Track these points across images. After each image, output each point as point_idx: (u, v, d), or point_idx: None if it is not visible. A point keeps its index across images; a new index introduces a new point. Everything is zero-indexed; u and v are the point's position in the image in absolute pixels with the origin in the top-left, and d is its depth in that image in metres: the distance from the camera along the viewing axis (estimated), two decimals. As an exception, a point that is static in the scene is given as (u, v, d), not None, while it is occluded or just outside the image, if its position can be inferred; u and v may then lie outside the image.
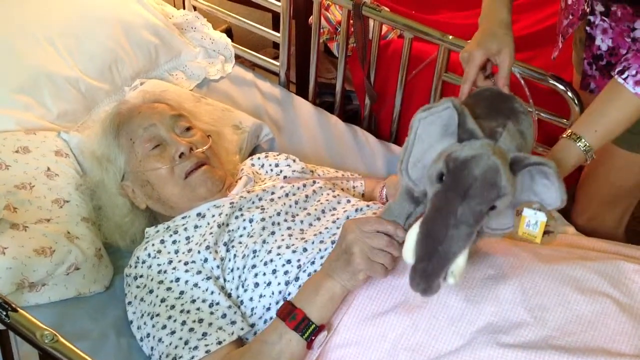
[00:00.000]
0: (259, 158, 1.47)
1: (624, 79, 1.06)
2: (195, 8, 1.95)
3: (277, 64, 1.87)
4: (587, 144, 1.08)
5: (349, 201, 1.31)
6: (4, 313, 0.82)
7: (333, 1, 1.74)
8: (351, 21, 1.67)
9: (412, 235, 0.95)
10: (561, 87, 1.40)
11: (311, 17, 1.77)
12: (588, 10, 1.28)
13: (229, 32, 2.03)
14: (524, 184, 0.96)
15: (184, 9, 1.95)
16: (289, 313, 1.04)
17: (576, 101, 1.40)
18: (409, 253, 0.95)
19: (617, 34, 1.25)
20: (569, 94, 1.40)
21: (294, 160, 1.45)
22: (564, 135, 1.10)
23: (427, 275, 0.92)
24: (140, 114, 1.33)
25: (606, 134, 1.10)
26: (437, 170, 0.93)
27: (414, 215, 1.03)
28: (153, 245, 1.23)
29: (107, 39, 1.65)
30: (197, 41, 1.86)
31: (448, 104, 0.95)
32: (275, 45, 2.01)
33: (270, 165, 1.45)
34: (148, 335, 1.15)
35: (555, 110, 1.47)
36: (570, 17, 1.34)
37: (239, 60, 1.90)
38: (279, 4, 1.79)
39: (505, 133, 0.99)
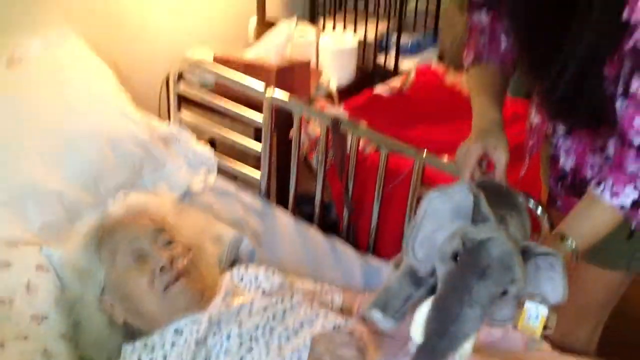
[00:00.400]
0: (238, 270, 1.49)
1: (601, 191, 1.11)
2: (180, 121, 2.02)
3: (258, 175, 1.92)
4: (575, 245, 1.12)
5: (326, 316, 1.32)
6: None
7: (313, 117, 1.82)
8: (330, 135, 1.74)
9: (421, 314, 0.95)
10: (531, 205, 1.46)
11: (292, 131, 1.85)
12: (550, 131, 1.36)
13: (212, 143, 2.10)
14: (529, 275, 0.98)
15: (170, 122, 2.02)
16: None
17: (546, 218, 1.45)
18: (417, 332, 0.95)
19: (579, 153, 1.31)
20: (539, 212, 1.45)
21: (273, 273, 1.47)
22: (551, 236, 1.15)
23: (436, 353, 0.91)
24: (123, 227, 1.36)
25: (589, 238, 1.14)
26: (452, 248, 0.94)
27: (413, 298, 1.02)
28: (130, 363, 1.22)
29: (93, 152, 1.70)
30: (181, 153, 1.91)
31: (464, 186, 0.98)
32: (257, 157, 2.07)
33: (249, 277, 1.46)
34: None
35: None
36: (535, 136, 1.42)
37: (222, 171, 1.96)
38: (261, 118, 1.86)
39: (513, 222, 1.02)
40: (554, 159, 1.38)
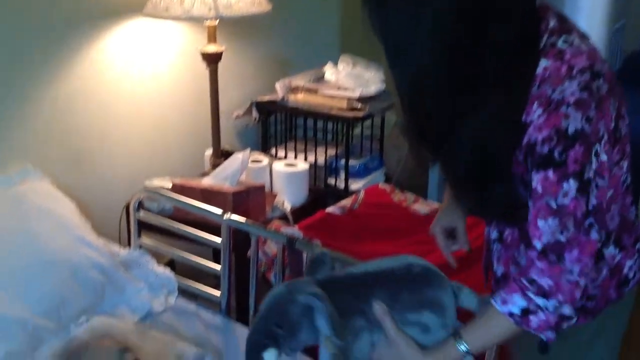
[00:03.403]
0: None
1: (494, 300, 1.19)
2: (140, 246, 2.08)
3: (218, 294, 1.98)
4: (467, 347, 1.20)
5: None
6: None
7: (269, 237, 1.91)
8: (286, 254, 1.83)
9: None
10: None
11: (249, 251, 1.93)
12: (487, 237, 1.46)
13: (171, 264, 2.15)
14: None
15: (130, 247, 2.09)
16: None
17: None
18: None
19: (505, 262, 1.38)
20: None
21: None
22: (452, 334, 1.22)
23: None
24: (88, 350, 1.40)
25: (483, 342, 1.22)
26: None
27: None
28: None
29: (56, 281, 1.74)
30: (142, 276, 1.96)
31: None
32: (216, 277, 2.13)
33: None
34: None
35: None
36: (485, 250, 1.52)
37: (182, 291, 2.01)
38: (219, 240, 1.95)
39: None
40: (491, 265, 1.47)
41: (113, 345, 1.42)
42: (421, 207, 2.38)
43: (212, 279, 2.05)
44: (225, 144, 2.51)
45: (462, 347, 1.20)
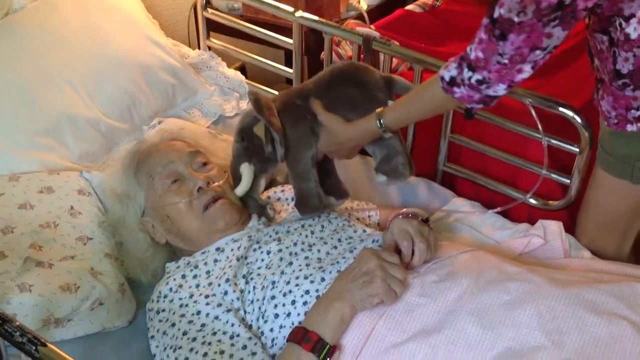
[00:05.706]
0: (275, 192, 1.50)
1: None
2: (210, 48, 2.01)
3: (291, 99, 1.91)
4: (382, 121, 1.25)
5: (364, 231, 1.33)
6: (34, 347, 0.84)
7: (344, 37, 1.79)
8: (362, 55, 1.71)
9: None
10: (569, 113, 1.42)
11: (323, 53, 1.82)
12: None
13: (242, 69, 2.08)
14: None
15: (199, 49, 2.01)
16: (303, 336, 1.06)
17: (585, 127, 1.42)
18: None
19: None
20: (578, 120, 1.41)
21: (310, 193, 1.48)
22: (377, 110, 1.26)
23: None
24: (159, 151, 1.38)
25: (406, 116, 1.28)
26: None
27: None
28: (174, 279, 1.26)
29: (125, 81, 1.70)
30: (213, 80, 1.91)
31: None
32: (289, 81, 2.06)
33: (286, 198, 1.48)
34: (171, 367, 1.17)
35: (566, 137, 1.48)
36: None
37: (254, 96, 1.95)
38: (291, 41, 1.84)
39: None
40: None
41: (184, 147, 1.40)
42: (511, 5, 2.17)
43: (284, 85, 1.98)
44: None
45: (378, 121, 1.25)
